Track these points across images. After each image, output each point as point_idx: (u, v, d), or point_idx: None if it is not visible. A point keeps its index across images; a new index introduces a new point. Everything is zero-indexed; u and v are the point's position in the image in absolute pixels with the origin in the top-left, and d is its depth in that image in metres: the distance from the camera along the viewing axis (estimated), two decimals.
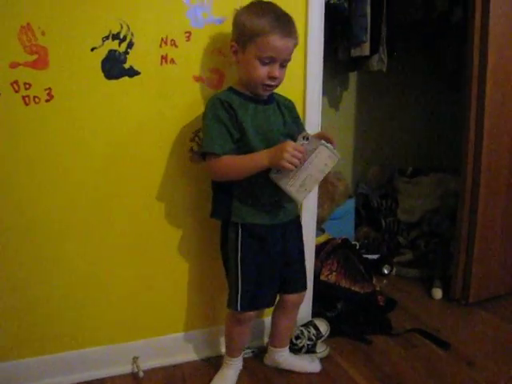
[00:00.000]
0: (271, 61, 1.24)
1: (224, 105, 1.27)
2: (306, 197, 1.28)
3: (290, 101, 1.45)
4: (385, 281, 2.29)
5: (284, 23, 1.23)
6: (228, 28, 1.41)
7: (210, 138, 1.27)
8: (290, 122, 1.39)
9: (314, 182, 1.24)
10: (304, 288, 1.52)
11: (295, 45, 1.28)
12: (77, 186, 1.41)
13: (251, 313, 1.41)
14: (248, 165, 1.26)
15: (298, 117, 1.46)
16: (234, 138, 1.28)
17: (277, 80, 1.28)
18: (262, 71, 1.25)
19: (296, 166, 1.19)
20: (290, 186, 1.23)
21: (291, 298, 1.49)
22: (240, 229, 1.34)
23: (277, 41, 1.21)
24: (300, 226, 1.50)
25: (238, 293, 1.36)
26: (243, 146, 1.29)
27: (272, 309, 1.54)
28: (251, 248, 1.35)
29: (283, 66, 1.28)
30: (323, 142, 1.20)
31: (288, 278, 1.45)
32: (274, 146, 1.23)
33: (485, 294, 2.06)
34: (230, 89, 1.33)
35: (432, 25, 2.44)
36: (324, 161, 1.22)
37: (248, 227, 1.34)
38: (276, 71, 1.25)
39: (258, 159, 1.24)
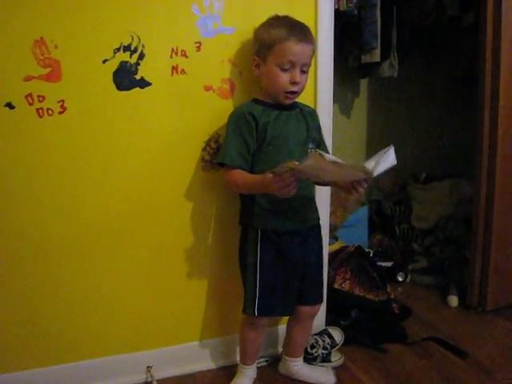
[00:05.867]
0: (291, 66, 1.28)
1: (246, 116, 1.32)
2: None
3: (312, 108, 1.48)
4: (399, 288, 2.27)
5: (299, 30, 1.29)
6: (238, 38, 1.43)
7: (226, 149, 1.32)
8: (312, 128, 1.41)
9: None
10: (319, 301, 1.52)
11: (313, 50, 1.33)
12: (89, 197, 1.42)
13: (266, 318, 1.41)
14: (251, 186, 1.30)
15: (318, 126, 1.46)
16: (251, 149, 1.32)
17: (299, 85, 1.31)
18: (284, 78, 1.29)
19: (291, 191, 1.13)
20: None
21: (305, 309, 1.48)
22: (260, 233, 1.36)
23: (293, 46, 1.27)
24: (320, 237, 1.49)
25: (255, 297, 1.36)
26: (260, 154, 1.33)
27: (287, 317, 1.53)
28: (270, 252, 1.36)
29: (304, 71, 1.31)
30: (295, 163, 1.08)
31: (304, 289, 1.44)
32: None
33: (502, 301, 2.02)
34: (253, 99, 1.38)
35: (443, 29, 2.42)
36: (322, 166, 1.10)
37: (267, 232, 1.36)
38: (297, 76, 1.29)
39: (259, 185, 1.23)
